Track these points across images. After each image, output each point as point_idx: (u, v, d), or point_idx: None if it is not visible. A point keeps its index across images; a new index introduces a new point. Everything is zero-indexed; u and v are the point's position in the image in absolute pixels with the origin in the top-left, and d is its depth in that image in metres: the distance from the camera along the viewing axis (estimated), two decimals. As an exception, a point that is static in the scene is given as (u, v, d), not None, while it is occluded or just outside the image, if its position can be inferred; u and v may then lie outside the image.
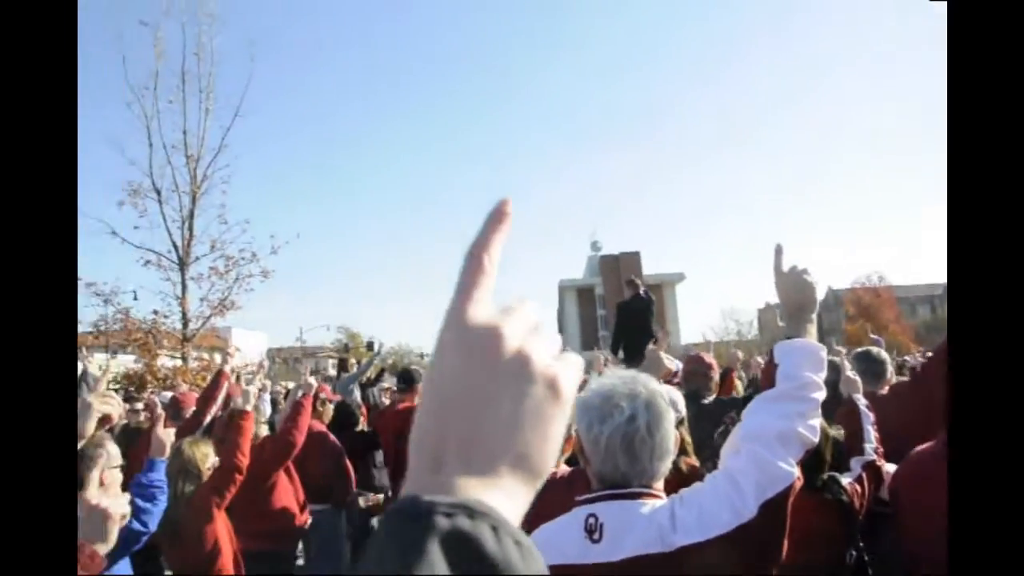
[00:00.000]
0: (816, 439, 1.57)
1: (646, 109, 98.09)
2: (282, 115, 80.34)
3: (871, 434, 3.04)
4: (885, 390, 4.23)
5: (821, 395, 1.60)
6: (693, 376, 4.08)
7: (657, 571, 1.46)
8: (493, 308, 0.51)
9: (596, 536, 1.55)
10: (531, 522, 1.78)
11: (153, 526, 2.89)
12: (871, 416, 3.13)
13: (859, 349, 4.63)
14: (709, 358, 4.46)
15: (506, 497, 0.45)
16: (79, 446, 2.60)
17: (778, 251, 1.75)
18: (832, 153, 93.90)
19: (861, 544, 2.79)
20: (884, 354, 4.51)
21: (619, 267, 60.13)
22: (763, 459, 1.50)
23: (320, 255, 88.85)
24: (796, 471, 1.51)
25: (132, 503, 2.80)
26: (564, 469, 2.62)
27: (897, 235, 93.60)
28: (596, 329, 57.91)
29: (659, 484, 1.63)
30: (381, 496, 6.05)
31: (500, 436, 0.47)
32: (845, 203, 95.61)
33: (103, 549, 1.79)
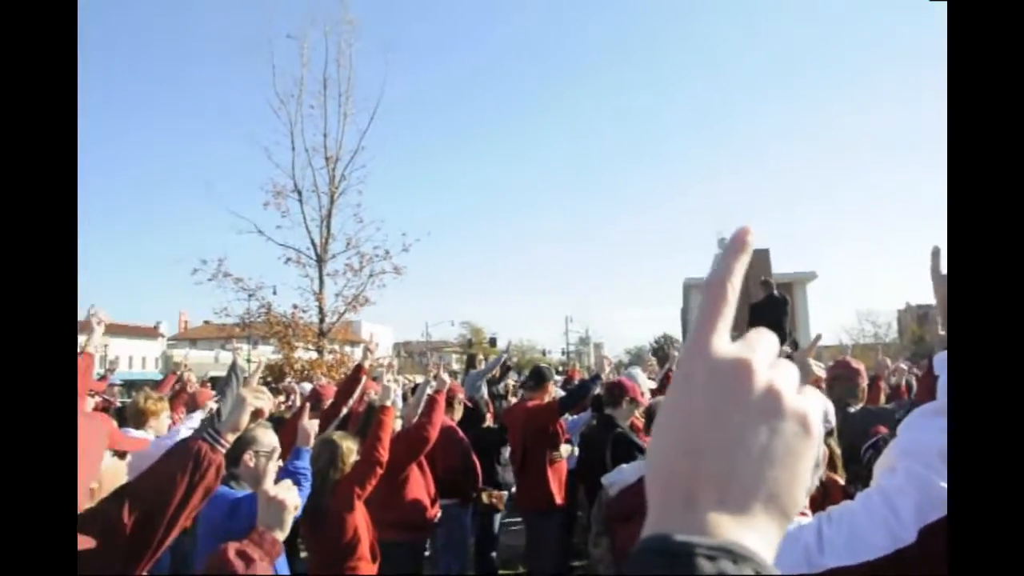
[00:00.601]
0: None
1: (778, 109, 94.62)
2: (414, 116, 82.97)
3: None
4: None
5: None
6: (838, 382, 3.86)
7: None
8: (735, 340, 0.49)
9: None
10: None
11: (299, 511, 3.04)
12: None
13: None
14: (856, 363, 4.22)
15: (760, 539, 0.43)
16: (236, 438, 2.78)
17: (935, 253, 1.61)
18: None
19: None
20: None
21: (748, 265, 58.13)
22: (923, 479, 1.38)
23: (447, 251, 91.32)
24: None
25: None
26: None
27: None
28: (722, 329, 56.16)
29: (805, 500, 1.54)
30: (504, 493, 6.11)
31: (753, 474, 0.45)
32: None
33: (281, 536, 1.89)
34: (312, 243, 18.29)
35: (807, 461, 0.47)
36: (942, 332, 1.66)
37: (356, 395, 5.30)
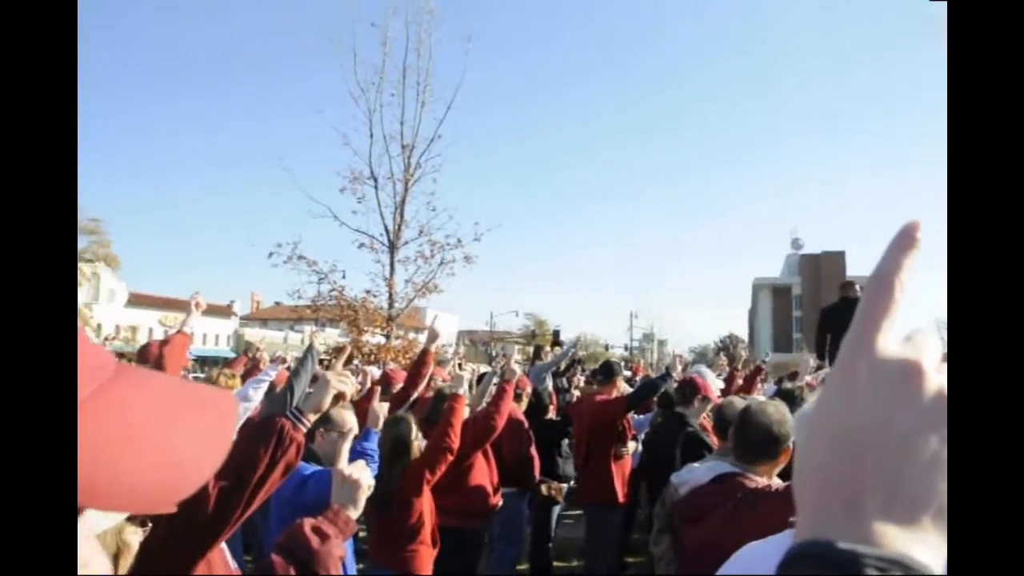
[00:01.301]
0: None
1: (855, 104, 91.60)
2: (491, 108, 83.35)
3: None
4: None
5: None
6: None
7: None
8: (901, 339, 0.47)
9: None
10: (741, 535, 1.71)
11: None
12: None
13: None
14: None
15: (931, 553, 0.40)
16: (316, 418, 2.85)
17: None
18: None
19: None
20: None
21: (820, 267, 56.86)
22: None
23: (516, 243, 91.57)
24: None
25: None
26: (778, 483, 2.49)
27: None
28: (791, 330, 55.13)
29: None
30: (564, 485, 6.11)
31: (922, 482, 0.42)
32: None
33: (354, 514, 1.94)
34: (385, 229, 18.55)
35: None
36: None
37: (425, 380, 5.37)
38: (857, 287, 9.39)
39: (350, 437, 2.63)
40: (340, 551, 1.77)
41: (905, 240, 0.50)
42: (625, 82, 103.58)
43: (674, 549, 3.26)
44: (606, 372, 6.18)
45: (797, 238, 60.19)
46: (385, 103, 19.12)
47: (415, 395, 5.22)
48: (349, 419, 3.14)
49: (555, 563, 6.52)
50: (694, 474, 2.82)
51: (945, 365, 0.48)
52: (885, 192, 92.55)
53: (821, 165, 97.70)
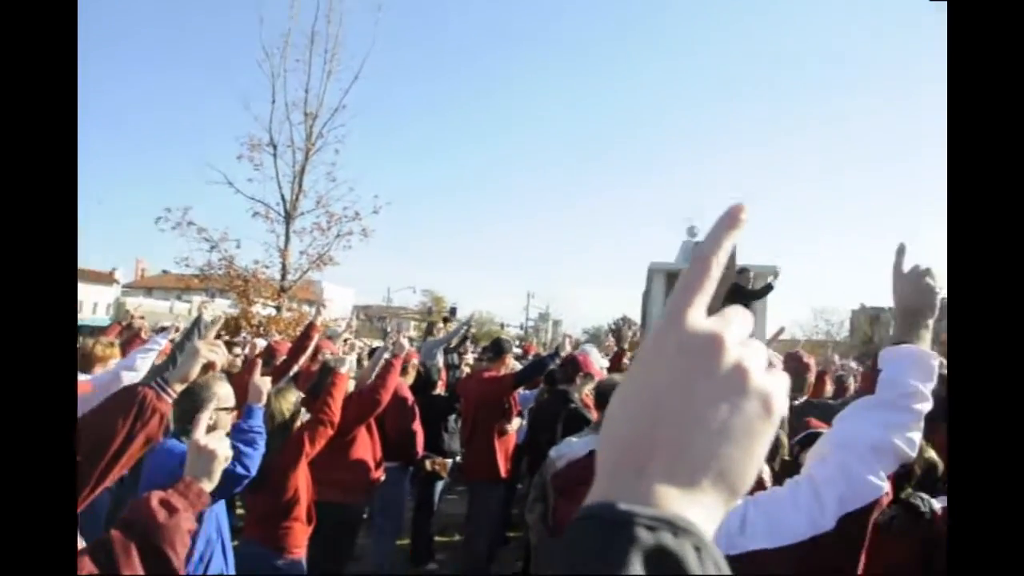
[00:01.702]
0: (914, 453, 1.45)
1: (755, 98, 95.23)
2: (397, 78, 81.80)
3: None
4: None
5: (926, 407, 1.47)
6: (787, 375, 3.93)
7: None
8: (710, 315, 0.48)
9: None
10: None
11: (254, 470, 2.98)
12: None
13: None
14: (808, 357, 4.31)
15: (705, 514, 0.42)
16: (197, 393, 2.70)
17: (900, 251, 1.63)
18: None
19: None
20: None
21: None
22: (852, 470, 1.40)
23: (415, 218, 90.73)
24: (886, 486, 1.40)
25: (233, 447, 2.90)
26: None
27: None
28: (682, 316, 56.91)
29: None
30: (448, 461, 6.13)
31: (707, 449, 0.44)
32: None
33: (208, 487, 1.85)
34: (282, 198, 17.99)
35: (764, 441, 0.47)
36: (891, 331, 1.67)
37: (308, 353, 5.25)
38: (750, 274, 9.82)
39: (210, 407, 2.52)
40: (189, 524, 1.69)
41: (729, 221, 0.51)
42: (529, 61, 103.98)
43: (543, 520, 3.33)
44: (495, 349, 6.20)
45: (692, 226, 61.89)
46: (290, 69, 18.48)
47: (296, 368, 5.10)
48: (218, 389, 3.01)
49: (437, 538, 6.56)
50: (572, 448, 2.88)
51: (752, 341, 0.49)
52: (776, 186, 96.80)
53: (717, 155, 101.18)
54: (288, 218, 17.89)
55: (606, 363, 6.47)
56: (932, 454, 3.02)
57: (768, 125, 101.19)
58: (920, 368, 1.49)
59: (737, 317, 0.49)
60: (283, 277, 17.65)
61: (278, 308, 17.25)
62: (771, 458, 3.09)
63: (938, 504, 2.62)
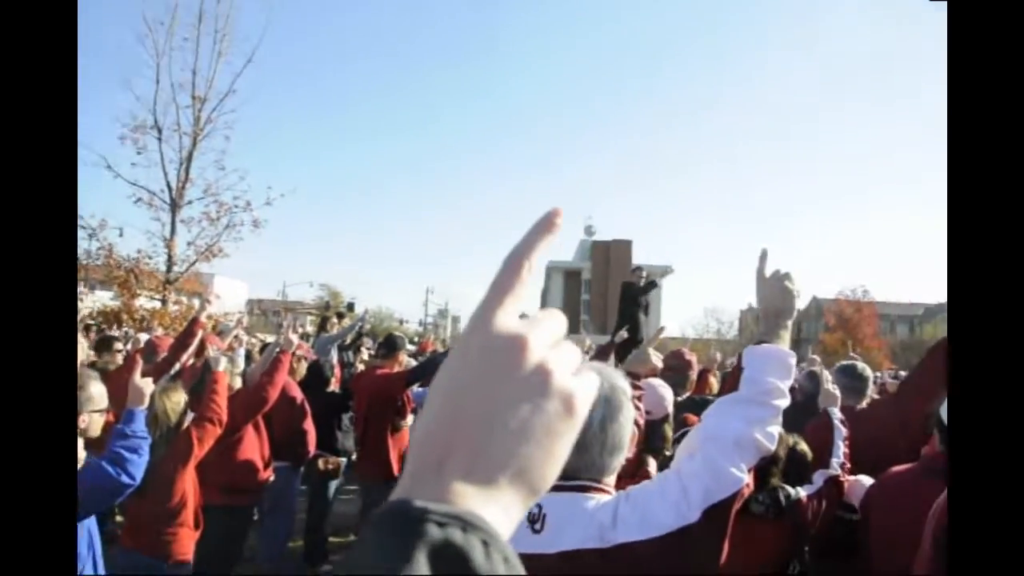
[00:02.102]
0: (773, 446, 1.55)
1: (652, 99, 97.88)
2: (292, 67, 79.52)
3: (840, 449, 3.04)
4: (863, 405, 4.27)
5: (784, 402, 1.58)
6: (671, 372, 4.08)
7: (591, 567, 1.44)
8: (520, 317, 0.49)
9: (538, 526, 1.52)
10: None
11: (139, 478, 2.79)
12: (844, 431, 3.13)
13: (844, 363, 4.64)
14: (690, 355, 4.46)
15: (501, 511, 0.44)
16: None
17: (763, 255, 1.73)
18: (836, 162, 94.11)
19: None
20: (868, 371, 4.53)
21: (610, 254, 60.50)
22: (716, 464, 1.48)
23: (312, 211, 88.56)
24: (746, 477, 1.49)
25: (116, 454, 2.73)
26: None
27: (886, 251, 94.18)
28: (579, 313, 58.11)
29: (609, 479, 1.61)
30: (342, 460, 6.03)
31: (506, 448, 0.45)
32: (841, 213, 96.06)
33: None
34: (168, 185, 17.18)
35: (565, 441, 0.48)
36: (758, 328, 1.76)
37: (191, 349, 5.04)
38: (644, 273, 10.11)
39: (84, 411, 2.39)
40: None
41: (543, 225, 0.52)
42: (428, 55, 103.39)
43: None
44: (388, 346, 6.12)
45: (590, 225, 63.47)
46: (176, 47, 17.63)
47: (178, 366, 4.89)
48: (91, 389, 2.84)
49: (331, 538, 6.44)
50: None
51: (564, 343, 0.51)
52: (673, 186, 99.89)
53: (615, 155, 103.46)
54: (174, 206, 17.12)
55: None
56: (804, 446, 3.21)
57: (665, 127, 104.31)
58: (779, 367, 1.59)
59: (547, 320, 0.51)
60: (169, 269, 16.89)
61: (163, 301, 16.50)
62: (657, 452, 3.20)
63: (804, 492, 2.79)
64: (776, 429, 1.56)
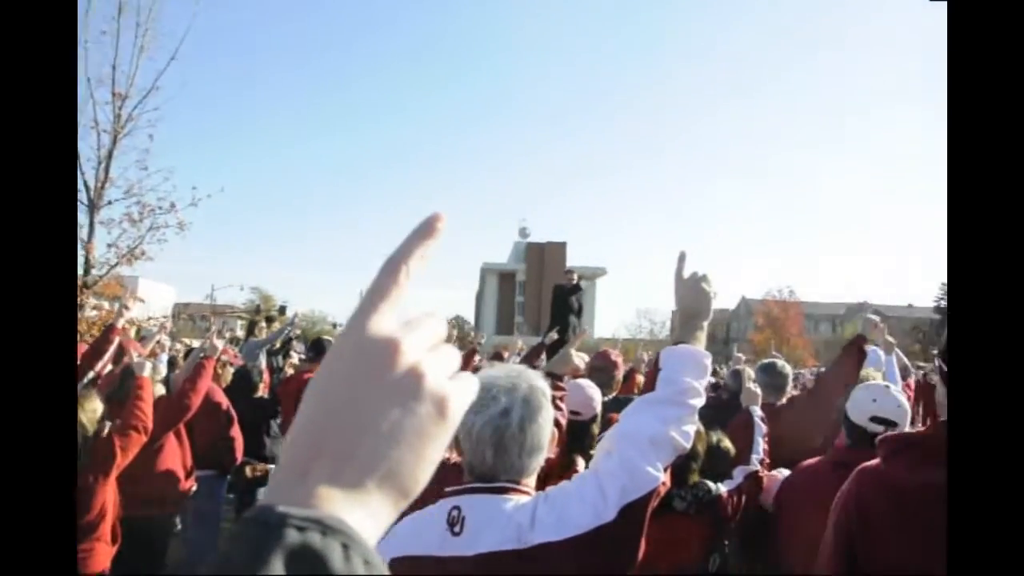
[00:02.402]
0: (688, 445, 1.57)
1: (587, 101, 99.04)
2: (220, 64, 77.60)
3: (760, 445, 3.13)
4: (783, 401, 4.41)
5: (699, 402, 1.61)
6: (597, 372, 4.13)
7: (510, 568, 1.44)
8: (397, 321, 0.49)
9: (457, 529, 1.52)
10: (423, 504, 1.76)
11: None
12: (764, 428, 3.23)
13: (765, 361, 4.79)
14: (615, 355, 4.52)
15: (368, 514, 0.44)
16: None
17: (681, 258, 1.77)
18: (766, 167, 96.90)
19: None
20: (788, 368, 4.70)
21: (544, 255, 60.95)
22: (632, 463, 1.50)
23: (241, 213, 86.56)
24: (662, 476, 1.51)
25: None
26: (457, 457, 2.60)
27: (811, 253, 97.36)
28: (513, 314, 58.37)
29: (529, 480, 1.61)
30: (271, 466, 5.91)
31: (375, 451, 0.45)
32: (770, 216, 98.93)
33: None
34: (85, 185, 16.51)
35: (437, 444, 0.48)
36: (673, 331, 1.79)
37: (107, 357, 4.85)
38: (575, 275, 10.20)
39: None
40: None
41: (424, 230, 0.53)
42: (363, 57, 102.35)
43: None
44: (317, 350, 6.03)
45: (524, 227, 63.75)
46: (93, 40, 16.94)
47: (92, 373, 4.71)
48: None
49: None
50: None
51: (442, 346, 0.51)
52: (608, 188, 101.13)
53: (549, 157, 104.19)
54: (93, 207, 16.43)
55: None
56: (726, 443, 3.30)
57: (599, 129, 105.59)
58: (695, 366, 1.62)
59: (425, 323, 0.51)
60: (87, 272, 16.24)
61: (80, 306, 15.86)
62: (586, 452, 3.23)
63: (724, 487, 2.86)
64: (692, 428, 1.59)
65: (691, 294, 1.73)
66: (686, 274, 1.75)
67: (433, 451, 0.48)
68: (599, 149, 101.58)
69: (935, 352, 1.68)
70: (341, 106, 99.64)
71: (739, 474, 2.98)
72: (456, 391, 0.50)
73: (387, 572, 0.42)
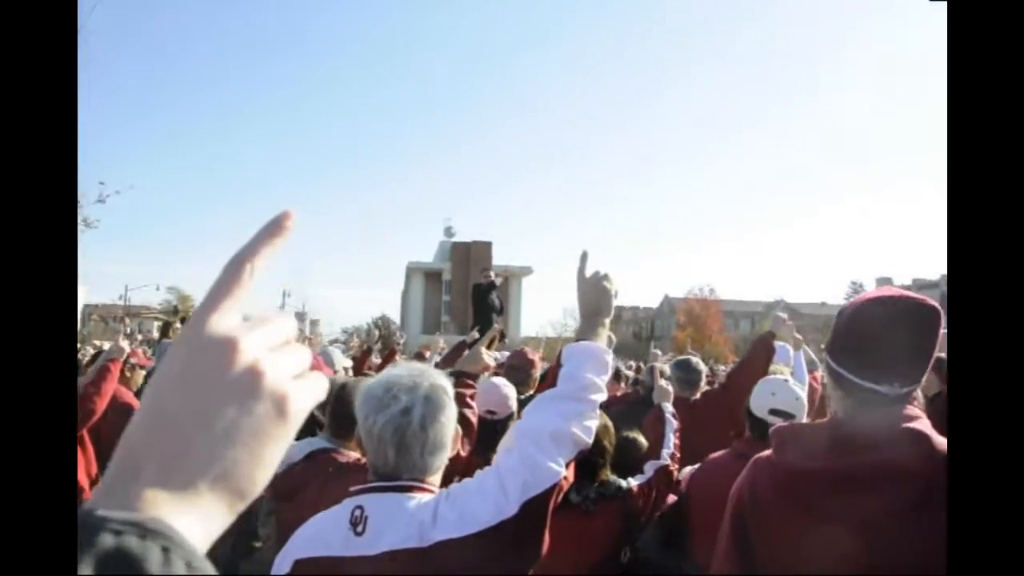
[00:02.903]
0: (590, 440, 1.59)
1: (512, 100, 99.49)
2: (127, 55, 74.71)
3: (671, 440, 3.21)
4: (697, 396, 4.53)
5: (600, 397, 1.63)
6: (514, 371, 4.15)
7: (412, 566, 1.44)
8: (238, 319, 0.48)
9: (360, 528, 1.51)
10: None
11: None
12: (675, 424, 3.31)
13: (680, 358, 4.92)
14: (532, 354, 4.55)
15: (197, 517, 0.43)
16: None
17: (583, 257, 1.79)
18: (685, 165, 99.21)
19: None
20: (701, 364, 4.83)
21: (470, 255, 60.88)
22: (533, 458, 1.51)
23: (156, 209, 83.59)
24: (563, 471, 1.52)
25: None
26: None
27: (732, 251, 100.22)
28: (439, 314, 58.17)
29: (432, 478, 1.62)
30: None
31: (208, 451, 0.44)
32: (692, 216, 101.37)
33: None
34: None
35: (277, 444, 0.48)
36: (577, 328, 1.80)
37: None
38: (492, 273, 10.19)
39: None
40: None
41: (271, 228, 0.52)
42: (276, 46, 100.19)
43: (278, 528, 3.23)
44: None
45: (450, 226, 63.58)
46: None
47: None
48: None
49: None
50: (288, 452, 2.80)
51: (289, 346, 0.50)
52: (532, 189, 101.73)
53: (475, 157, 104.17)
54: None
55: (349, 363, 6.40)
56: (640, 438, 3.37)
57: (525, 128, 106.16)
58: (596, 363, 1.65)
59: (269, 322, 0.50)
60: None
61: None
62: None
63: (635, 481, 2.92)
64: (594, 423, 1.61)
65: (593, 292, 1.75)
66: (588, 273, 1.78)
67: (272, 451, 0.47)
68: (524, 149, 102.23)
69: (822, 347, 1.75)
70: (264, 105, 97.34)
71: (650, 468, 3.04)
72: (299, 391, 0.49)
73: (213, 573, 0.41)
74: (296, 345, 0.51)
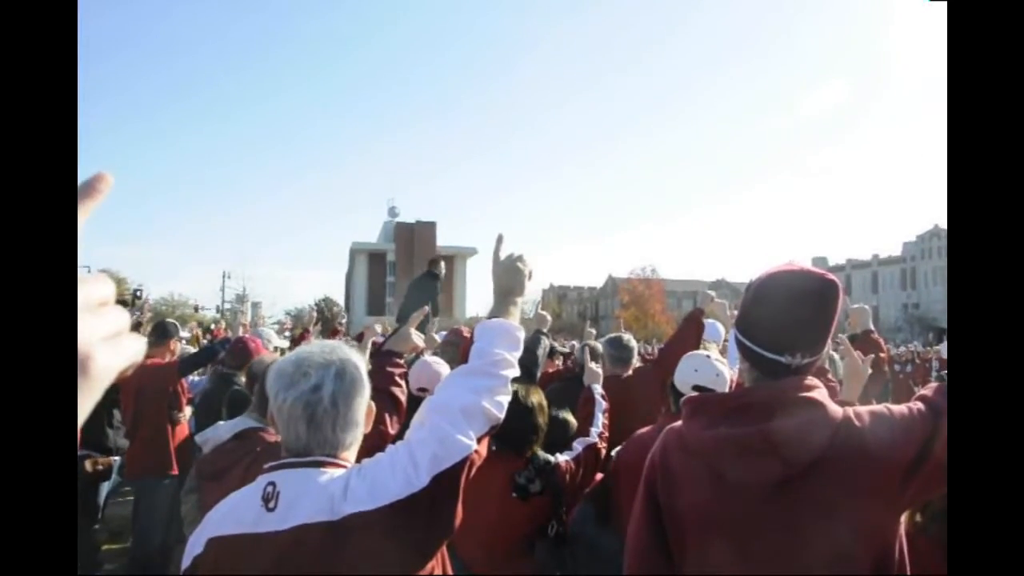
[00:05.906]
0: (502, 415, 1.61)
1: (457, 81, 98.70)
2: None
3: (599, 420, 3.27)
4: (629, 373, 4.60)
5: (512, 372, 1.65)
6: (448, 348, 4.17)
7: (322, 540, 1.44)
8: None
9: (272, 504, 1.51)
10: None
11: None
12: (604, 404, 3.37)
13: (611, 335, 4.99)
14: (467, 331, 4.56)
15: None
16: None
17: (499, 239, 1.84)
18: (630, 144, 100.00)
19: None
20: (632, 342, 4.90)
21: (414, 235, 60.47)
22: (443, 432, 1.52)
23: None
24: (474, 444, 1.54)
25: None
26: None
27: (675, 231, 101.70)
28: (384, 295, 57.71)
29: (346, 454, 1.62)
30: (116, 459, 5.60)
31: None
32: (635, 198, 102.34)
33: None
34: None
35: (81, 400, 0.48)
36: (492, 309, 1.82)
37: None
38: (441, 264, 10.11)
39: None
40: None
41: (85, 190, 0.51)
42: (227, 32, 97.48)
43: (199, 509, 3.19)
44: (158, 333, 5.70)
45: (394, 207, 63.03)
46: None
47: None
48: None
49: (106, 545, 6.00)
50: (216, 432, 2.78)
51: (106, 310, 0.51)
52: (476, 170, 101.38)
53: (420, 138, 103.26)
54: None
55: (285, 344, 6.32)
56: (568, 416, 3.43)
57: (469, 108, 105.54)
58: (507, 339, 1.67)
59: (83, 283, 0.50)
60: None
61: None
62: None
63: (563, 457, 2.97)
64: (505, 398, 1.63)
65: (506, 273, 1.80)
66: (503, 255, 1.82)
67: (80, 407, 0.48)
68: (468, 130, 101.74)
69: (733, 324, 1.80)
70: (201, 80, 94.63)
71: (579, 445, 3.10)
72: (104, 352, 0.49)
73: None
74: (112, 308, 0.51)
